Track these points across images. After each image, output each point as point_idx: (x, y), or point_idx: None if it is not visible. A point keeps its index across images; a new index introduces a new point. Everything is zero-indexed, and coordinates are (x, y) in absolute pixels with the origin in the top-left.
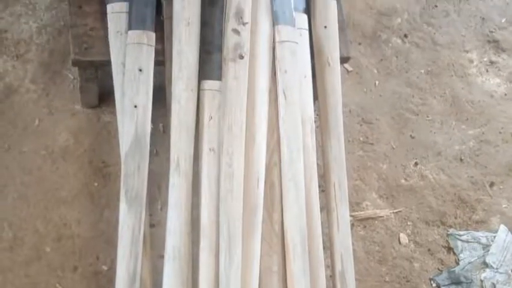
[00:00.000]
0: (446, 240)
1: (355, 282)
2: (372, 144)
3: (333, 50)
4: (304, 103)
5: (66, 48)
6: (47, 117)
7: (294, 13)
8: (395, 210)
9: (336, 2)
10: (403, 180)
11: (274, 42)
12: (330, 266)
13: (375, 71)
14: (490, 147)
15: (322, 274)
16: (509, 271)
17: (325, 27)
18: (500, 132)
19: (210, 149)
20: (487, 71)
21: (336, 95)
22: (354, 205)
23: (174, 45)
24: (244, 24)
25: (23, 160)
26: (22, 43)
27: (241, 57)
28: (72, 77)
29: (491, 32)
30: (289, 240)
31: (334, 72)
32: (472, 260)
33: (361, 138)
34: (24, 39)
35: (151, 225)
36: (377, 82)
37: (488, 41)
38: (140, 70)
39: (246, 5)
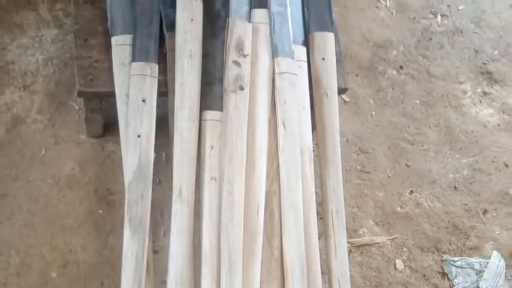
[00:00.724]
0: (441, 266)
1: None
2: (368, 172)
3: (330, 81)
4: (303, 133)
5: (72, 80)
6: (53, 147)
7: (293, 45)
8: (391, 237)
9: (333, 34)
10: (398, 208)
11: (273, 73)
12: None
13: (372, 102)
14: (483, 175)
15: None
16: None
17: (323, 59)
18: (493, 161)
19: (211, 178)
20: (481, 101)
21: (334, 125)
22: (351, 232)
23: (177, 76)
24: (244, 56)
25: (30, 188)
26: (29, 74)
27: (242, 88)
28: (77, 108)
29: (485, 63)
30: (288, 266)
31: (332, 103)
32: (466, 285)
33: (358, 167)
34: (31, 70)
35: (155, 251)
36: (373, 112)
37: (482, 73)
38: (143, 101)
39: (247, 38)
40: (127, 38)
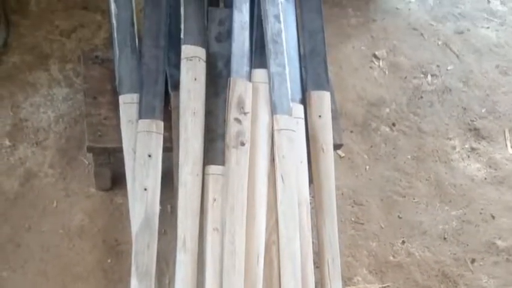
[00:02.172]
0: None
1: None
2: (362, 224)
3: (326, 138)
4: (300, 186)
5: (82, 136)
6: (64, 199)
7: (291, 103)
8: (384, 285)
9: (329, 93)
10: (391, 257)
11: (273, 130)
12: None
13: (365, 157)
14: (471, 226)
15: None
16: None
17: (320, 116)
18: (480, 213)
19: (213, 229)
20: (469, 156)
21: (330, 178)
22: (346, 280)
23: (181, 133)
24: (245, 113)
25: (42, 238)
26: (41, 131)
27: (243, 144)
28: (87, 163)
29: (472, 121)
30: None
31: (328, 158)
32: None
33: (353, 219)
34: (43, 127)
35: None
36: (367, 167)
37: (470, 129)
38: (149, 156)
39: (247, 96)
40: (134, 97)
